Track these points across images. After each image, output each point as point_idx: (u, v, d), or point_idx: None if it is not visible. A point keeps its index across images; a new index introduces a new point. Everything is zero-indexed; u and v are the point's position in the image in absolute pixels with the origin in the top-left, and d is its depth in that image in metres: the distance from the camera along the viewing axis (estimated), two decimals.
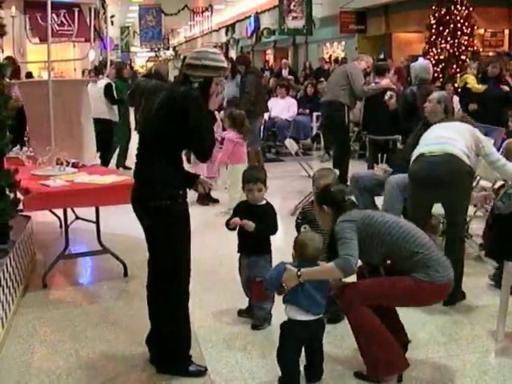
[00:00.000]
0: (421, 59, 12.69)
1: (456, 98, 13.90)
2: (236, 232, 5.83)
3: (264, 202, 5.84)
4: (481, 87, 13.69)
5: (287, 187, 11.94)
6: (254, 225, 5.61)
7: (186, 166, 5.26)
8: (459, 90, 14.70)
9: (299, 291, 4.62)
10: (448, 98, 7.77)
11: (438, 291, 4.77)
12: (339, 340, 5.40)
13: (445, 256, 4.86)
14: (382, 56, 26.01)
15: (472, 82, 13.93)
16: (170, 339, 5.01)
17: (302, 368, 4.80)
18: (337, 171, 6.20)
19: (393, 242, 4.72)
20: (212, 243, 7.82)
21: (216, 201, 10.63)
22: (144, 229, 5.01)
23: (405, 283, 4.67)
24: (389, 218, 4.86)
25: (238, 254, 5.93)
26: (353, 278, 4.90)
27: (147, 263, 5.13)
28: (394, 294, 4.72)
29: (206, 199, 10.35)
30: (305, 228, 5.89)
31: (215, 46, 45.63)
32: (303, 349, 4.77)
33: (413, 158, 6.43)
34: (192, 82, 4.81)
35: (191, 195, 5.19)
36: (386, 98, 10.42)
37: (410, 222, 6.14)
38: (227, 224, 5.77)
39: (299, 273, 4.60)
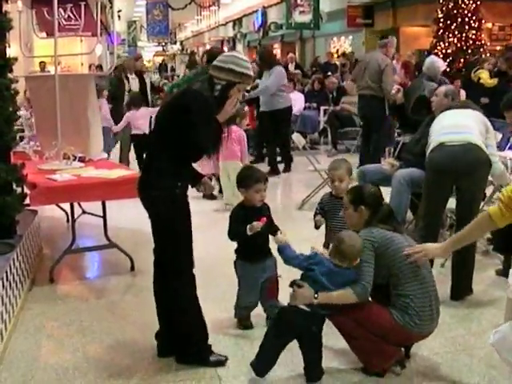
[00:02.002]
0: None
1: (462, 92, 13.89)
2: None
3: None
4: (492, 81, 13.71)
5: (294, 181, 11.94)
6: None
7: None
8: (467, 83, 14.70)
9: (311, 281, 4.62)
10: (455, 91, 7.75)
11: (406, 337, 4.81)
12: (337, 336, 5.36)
13: (433, 310, 4.79)
14: None
15: (485, 76, 13.96)
16: (184, 331, 5.04)
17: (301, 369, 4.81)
18: (349, 162, 6.08)
19: (397, 274, 4.71)
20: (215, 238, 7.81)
21: (214, 197, 10.56)
22: (150, 218, 5.06)
23: (381, 321, 4.70)
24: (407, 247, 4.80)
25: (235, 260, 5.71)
26: None
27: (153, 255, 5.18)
28: (369, 324, 4.71)
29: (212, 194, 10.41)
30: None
31: (222, 41, 45.73)
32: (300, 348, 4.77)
33: (431, 147, 6.36)
34: (215, 83, 4.86)
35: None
36: (393, 91, 10.40)
37: (426, 216, 6.12)
38: (240, 232, 5.37)
39: (316, 295, 4.58)
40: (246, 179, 5.48)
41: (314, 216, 5.96)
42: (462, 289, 6.28)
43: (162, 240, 5.03)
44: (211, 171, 10.17)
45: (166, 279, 5.02)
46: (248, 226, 5.26)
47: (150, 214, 5.00)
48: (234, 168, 9.09)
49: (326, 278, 4.61)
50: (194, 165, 5.20)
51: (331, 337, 4.99)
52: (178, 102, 4.85)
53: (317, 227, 6.03)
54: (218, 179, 10.44)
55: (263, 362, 4.75)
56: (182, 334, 5.06)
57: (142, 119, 12.14)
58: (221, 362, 5.07)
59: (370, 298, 4.96)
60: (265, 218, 5.28)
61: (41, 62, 21.89)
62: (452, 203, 6.49)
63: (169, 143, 4.79)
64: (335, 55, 28.52)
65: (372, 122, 12.13)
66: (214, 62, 4.95)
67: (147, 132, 11.98)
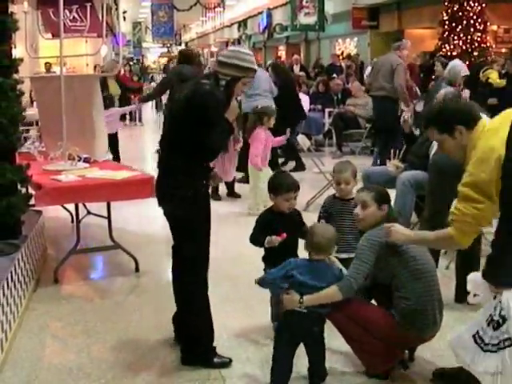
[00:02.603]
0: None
1: (466, 92, 13.89)
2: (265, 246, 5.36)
3: None
4: (501, 81, 13.74)
5: (299, 182, 11.93)
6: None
7: None
8: (473, 83, 14.70)
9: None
10: (456, 94, 7.74)
11: (409, 340, 4.81)
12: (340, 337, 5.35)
13: (436, 314, 4.77)
14: None
15: (494, 76, 13.99)
16: (194, 332, 5.08)
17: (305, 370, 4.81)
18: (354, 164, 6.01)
19: (400, 276, 4.70)
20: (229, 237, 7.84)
21: (219, 198, 10.58)
22: (168, 217, 5.09)
23: (383, 324, 4.70)
24: (413, 252, 4.78)
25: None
26: None
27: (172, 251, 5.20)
28: (371, 327, 4.71)
29: (217, 194, 10.41)
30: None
31: (227, 42, 45.72)
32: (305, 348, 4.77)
33: (434, 149, 6.33)
34: (220, 79, 4.90)
35: None
36: (402, 119, 10.24)
37: (430, 218, 6.08)
38: (258, 241, 5.32)
39: (301, 300, 4.53)
40: (277, 186, 5.38)
41: (318, 220, 5.94)
42: (466, 291, 6.27)
43: (182, 239, 5.03)
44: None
45: (183, 278, 5.07)
46: (267, 239, 5.20)
47: (170, 213, 5.04)
48: (262, 173, 9.18)
49: (310, 276, 4.58)
50: None
51: (334, 338, 4.99)
52: (192, 102, 4.81)
53: None
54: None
55: (280, 374, 4.70)
56: (191, 334, 5.11)
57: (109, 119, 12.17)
58: (225, 364, 5.08)
59: (373, 301, 4.98)
60: (285, 234, 5.14)
61: (46, 63, 21.96)
62: None
63: (187, 143, 4.82)
64: (340, 57, 28.50)
65: (384, 123, 12.16)
66: (219, 58, 5.00)
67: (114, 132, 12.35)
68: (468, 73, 11.22)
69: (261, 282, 4.84)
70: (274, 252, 5.22)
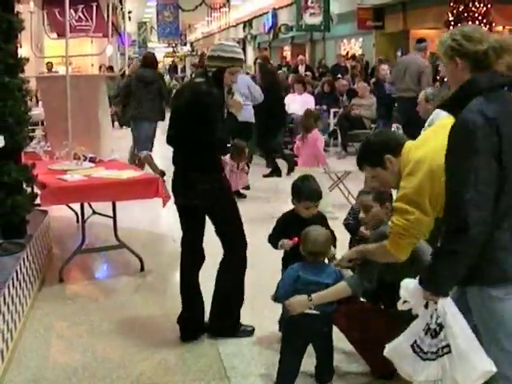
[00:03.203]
0: None
1: None
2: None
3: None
4: None
5: None
6: None
7: None
8: None
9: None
10: (436, 93, 7.73)
11: None
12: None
13: None
14: (399, 53, 25.96)
15: None
16: (233, 306, 5.58)
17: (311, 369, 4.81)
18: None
19: (407, 273, 4.69)
20: None
21: (244, 196, 10.82)
22: (186, 210, 5.42)
23: (388, 325, 4.67)
24: (421, 250, 4.77)
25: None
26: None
27: (184, 243, 5.51)
28: (376, 329, 4.70)
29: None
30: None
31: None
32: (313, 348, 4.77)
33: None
34: (208, 71, 5.34)
35: None
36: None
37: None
38: (273, 242, 5.34)
39: (310, 299, 4.53)
40: (298, 192, 5.32)
41: (347, 227, 5.92)
42: None
43: (224, 227, 5.46)
44: (236, 187, 9.98)
45: (231, 260, 5.50)
46: (279, 243, 5.22)
47: (192, 206, 5.34)
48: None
49: (312, 273, 4.61)
50: None
51: (339, 338, 4.98)
52: (192, 103, 5.20)
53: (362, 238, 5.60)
54: None
55: (286, 375, 4.70)
56: (230, 308, 5.56)
57: None
58: (248, 332, 5.60)
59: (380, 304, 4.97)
60: (296, 239, 5.02)
61: (48, 63, 21.83)
62: None
63: (196, 140, 5.17)
64: (344, 57, 28.51)
65: (410, 124, 12.16)
66: (207, 53, 5.42)
67: None
68: None
69: (277, 298, 4.83)
70: (292, 254, 5.12)
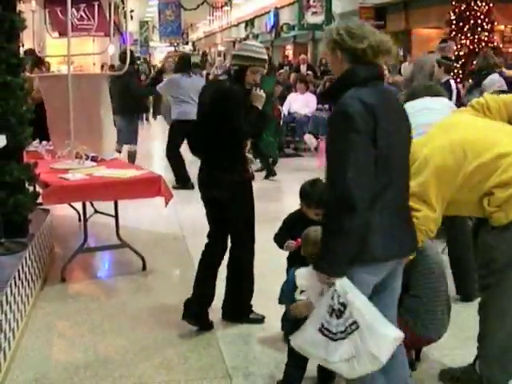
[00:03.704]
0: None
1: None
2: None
3: None
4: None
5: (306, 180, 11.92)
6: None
7: None
8: None
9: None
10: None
11: (417, 341, 4.81)
12: None
13: (445, 315, 4.82)
14: (401, 52, 25.94)
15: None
16: (245, 293, 5.81)
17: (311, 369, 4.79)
18: None
19: (413, 273, 4.69)
20: None
21: None
22: (212, 200, 5.65)
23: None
24: (426, 252, 4.77)
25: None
26: None
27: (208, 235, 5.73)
28: None
29: None
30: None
31: (234, 42, 45.73)
32: None
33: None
34: (231, 70, 5.62)
35: None
36: None
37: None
38: (279, 242, 5.33)
39: None
40: (307, 197, 5.22)
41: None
42: (472, 291, 6.29)
43: (235, 219, 5.63)
44: None
45: (243, 251, 5.75)
46: (285, 244, 5.20)
47: (217, 197, 5.57)
48: None
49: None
50: None
51: None
52: (216, 100, 5.46)
53: None
54: None
55: (294, 373, 4.69)
56: (241, 296, 5.81)
57: None
58: (259, 320, 5.81)
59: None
60: (300, 240, 4.96)
61: (45, 62, 21.68)
62: None
63: (221, 134, 5.42)
64: None
65: None
66: (233, 52, 5.77)
67: None
68: (504, 88, 11.06)
69: (281, 301, 4.81)
70: (297, 254, 4.98)
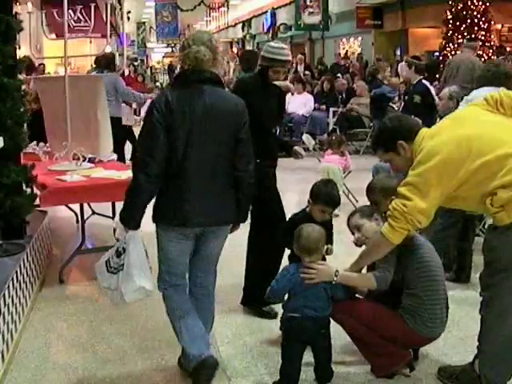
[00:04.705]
0: None
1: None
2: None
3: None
4: None
5: (303, 182, 11.90)
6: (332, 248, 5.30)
7: None
8: None
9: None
10: (459, 92, 7.71)
11: (416, 340, 4.83)
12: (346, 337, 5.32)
13: (444, 313, 4.83)
14: (398, 52, 25.99)
15: None
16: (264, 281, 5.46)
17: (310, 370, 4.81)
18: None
19: (412, 270, 4.70)
20: None
21: None
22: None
23: (391, 324, 4.74)
24: (427, 248, 4.82)
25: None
26: None
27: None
28: (379, 329, 4.73)
29: None
30: None
31: (231, 42, 45.72)
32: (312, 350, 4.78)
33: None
34: (258, 69, 6.12)
35: None
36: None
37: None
38: (283, 241, 5.33)
39: (337, 273, 4.62)
40: (318, 195, 5.28)
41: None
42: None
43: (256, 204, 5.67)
44: None
45: (255, 237, 6.03)
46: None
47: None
48: (333, 172, 9.68)
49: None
50: None
51: (339, 338, 4.99)
52: (233, 90, 6.05)
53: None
54: None
55: (289, 374, 4.69)
56: (259, 283, 5.64)
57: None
58: (270, 314, 5.88)
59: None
60: None
61: (40, 64, 21.57)
62: None
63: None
64: (350, 55, 28.57)
65: None
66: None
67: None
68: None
69: (269, 298, 4.87)
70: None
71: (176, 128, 4.42)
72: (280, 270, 5.06)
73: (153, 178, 4.41)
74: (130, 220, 4.59)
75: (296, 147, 6.39)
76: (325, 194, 5.25)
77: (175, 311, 4.84)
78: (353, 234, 5.02)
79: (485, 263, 4.45)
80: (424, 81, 11.01)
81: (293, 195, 10.83)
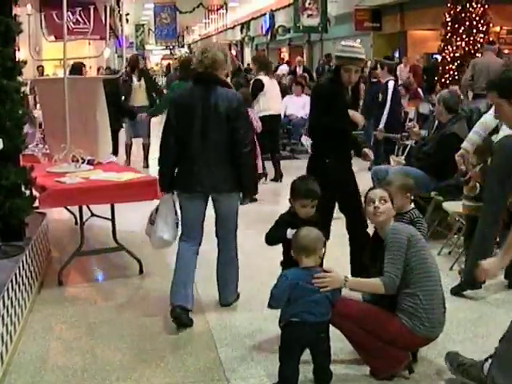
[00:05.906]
0: None
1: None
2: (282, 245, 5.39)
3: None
4: None
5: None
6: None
7: None
8: None
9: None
10: (449, 97, 7.79)
11: (415, 341, 4.83)
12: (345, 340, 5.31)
13: (441, 313, 4.83)
14: (396, 54, 25.97)
15: None
16: None
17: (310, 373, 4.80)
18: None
19: (410, 270, 4.71)
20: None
21: (254, 200, 10.21)
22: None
23: (388, 326, 4.74)
24: (425, 249, 4.84)
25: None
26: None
27: None
28: (377, 332, 4.74)
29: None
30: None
31: (230, 44, 45.69)
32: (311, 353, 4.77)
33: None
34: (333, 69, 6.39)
35: None
36: (410, 125, 9.80)
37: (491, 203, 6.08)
38: (279, 235, 5.31)
39: (346, 279, 4.67)
40: (295, 191, 5.33)
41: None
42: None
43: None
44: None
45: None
46: (288, 230, 5.16)
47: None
48: None
49: (311, 284, 4.63)
50: None
51: (337, 341, 4.99)
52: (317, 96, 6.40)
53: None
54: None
55: (287, 377, 4.68)
56: None
57: None
58: None
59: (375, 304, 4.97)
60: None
61: (39, 67, 21.53)
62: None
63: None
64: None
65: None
66: None
67: None
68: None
69: (271, 306, 4.81)
70: (291, 258, 4.95)
71: (185, 119, 5.74)
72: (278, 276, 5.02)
73: (171, 145, 5.83)
74: (161, 186, 6.10)
75: (366, 149, 6.56)
76: (300, 189, 5.28)
77: (177, 260, 5.90)
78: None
79: None
80: (390, 81, 11.77)
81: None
